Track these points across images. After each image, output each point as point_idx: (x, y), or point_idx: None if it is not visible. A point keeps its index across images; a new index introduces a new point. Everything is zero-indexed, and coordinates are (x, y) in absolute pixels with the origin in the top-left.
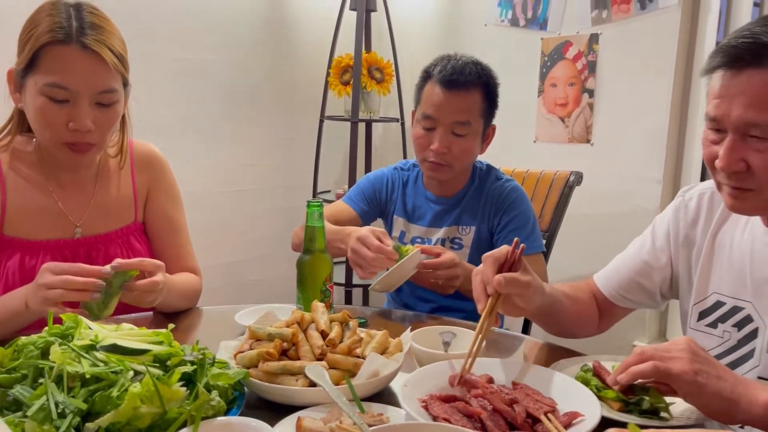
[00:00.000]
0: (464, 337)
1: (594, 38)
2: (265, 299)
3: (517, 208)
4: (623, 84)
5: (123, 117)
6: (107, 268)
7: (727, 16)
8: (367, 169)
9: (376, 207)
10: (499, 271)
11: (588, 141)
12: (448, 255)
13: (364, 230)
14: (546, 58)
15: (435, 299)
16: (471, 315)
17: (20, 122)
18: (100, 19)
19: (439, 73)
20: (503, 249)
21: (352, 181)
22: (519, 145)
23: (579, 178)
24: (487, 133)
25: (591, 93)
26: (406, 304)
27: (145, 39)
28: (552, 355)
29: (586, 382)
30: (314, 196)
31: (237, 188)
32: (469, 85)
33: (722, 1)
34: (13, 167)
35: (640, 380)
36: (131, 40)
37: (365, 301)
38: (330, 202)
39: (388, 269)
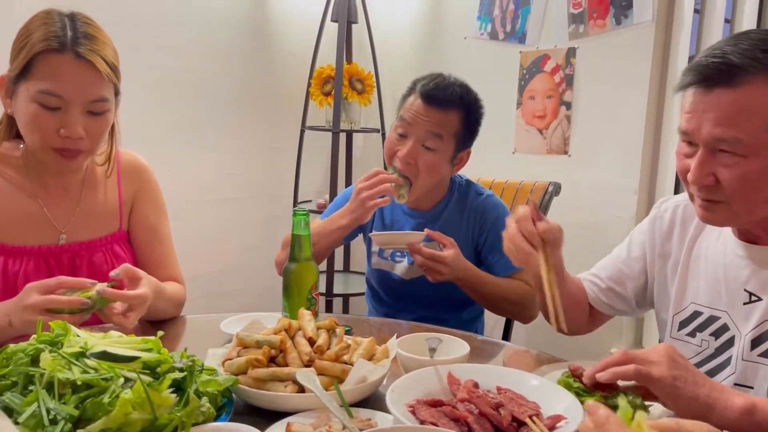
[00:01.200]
0: (450, 343)
1: (571, 52)
2: (245, 308)
3: (501, 227)
4: (600, 97)
5: (112, 125)
6: (92, 291)
7: (699, 31)
8: (348, 178)
9: None
10: None
11: (566, 152)
12: (445, 253)
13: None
14: (524, 71)
15: (416, 310)
16: (453, 324)
17: (9, 128)
18: (94, 29)
19: (423, 87)
20: (528, 208)
21: (333, 190)
22: (498, 156)
23: (557, 188)
24: (459, 157)
25: (568, 105)
26: (387, 314)
27: (126, 45)
28: (532, 362)
29: (568, 387)
30: (295, 205)
31: (218, 197)
32: (449, 105)
33: (694, 17)
34: None
35: (619, 381)
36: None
37: (345, 309)
38: (311, 211)
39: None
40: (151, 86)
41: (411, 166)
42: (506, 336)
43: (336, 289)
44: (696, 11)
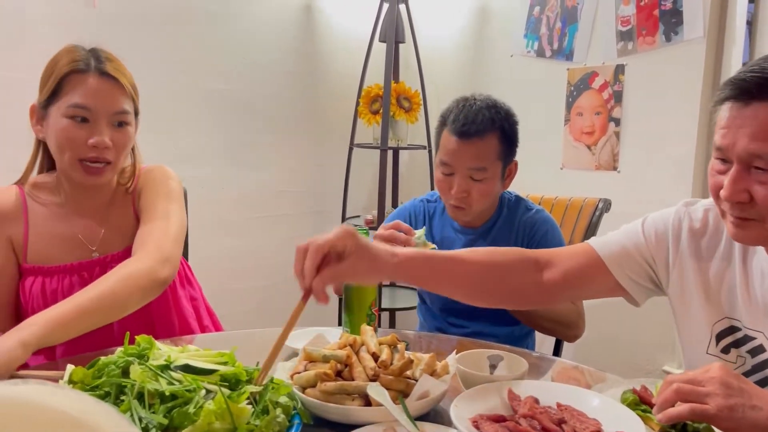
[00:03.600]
0: (512, 360)
1: (620, 69)
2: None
3: (550, 242)
4: (650, 113)
5: (133, 147)
6: None
7: (751, 47)
8: (395, 194)
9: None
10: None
11: (615, 168)
12: None
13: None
14: (572, 88)
15: (467, 325)
16: (504, 340)
17: (42, 160)
18: (114, 58)
19: (453, 122)
20: (330, 243)
21: (380, 206)
22: (546, 172)
23: (608, 204)
24: (509, 169)
25: (617, 122)
26: (439, 328)
27: (181, 71)
28: (584, 378)
29: (630, 407)
30: (343, 221)
31: (270, 214)
32: (483, 133)
33: (746, 33)
34: (35, 198)
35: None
36: (166, 71)
37: (392, 324)
38: (358, 227)
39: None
40: (205, 108)
41: (465, 199)
42: (557, 352)
43: (383, 303)
44: (748, 23)
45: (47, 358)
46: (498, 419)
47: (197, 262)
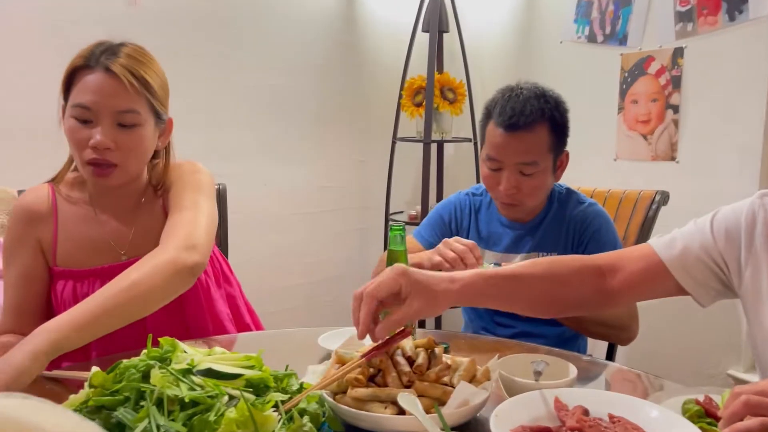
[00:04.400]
0: (558, 366)
1: (678, 52)
2: (339, 319)
3: (603, 237)
4: (711, 98)
5: (167, 147)
6: None
7: None
8: (439, 189)
9: (447, 237)
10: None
11: (673, 158)
12: None
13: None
14: (626, 74)
15: (515, 324)
16: (554, 341)
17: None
18: (138, 54)
19: (499, 115)
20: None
21: (424, 201)
22: (598, 163)
23: (665, 197)
24: (560, 161)
25: (676, 109)
26: (485, 328)
27: (221, 66)
28: (641, 385)
29: (692, 419)
30: (386, 216)
31: (312, 210)
32: (532, 125)
33: None
34: (67, 199)
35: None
36: (208, 67)
37: (437, 325)
38: (402, 222)
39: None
40: (245, 104)
41: (515, 195)
42: (610, 355)
43: None
44: None
45: (83, 359)
46: (543, 431)
47: (238, 260)
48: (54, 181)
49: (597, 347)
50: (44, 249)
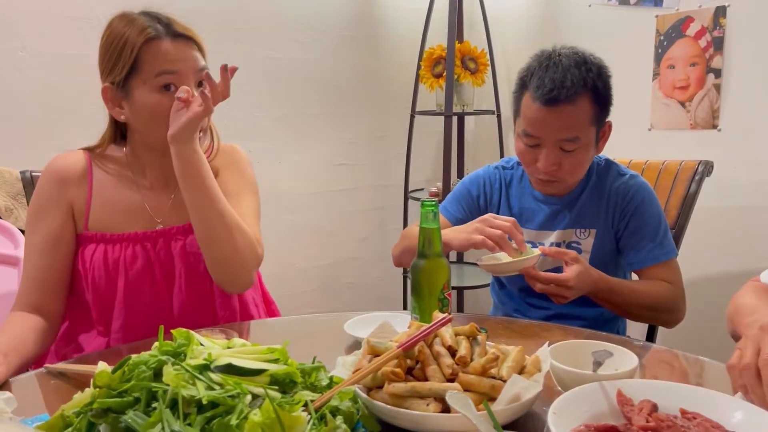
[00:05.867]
0: (622, 357)
1: (720, 11)
2: (358, 302)
3: (647, 211)
4: (757, 61)
5: (210, 126)
6: None
7: None
8: (460, 164)
9: (474, 213)
10: None
11: (715, 127)
12: (566, 274)
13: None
14: (662, 38)
15: (549, 306)
16: (591, 323)
17: (112, 133)
18: (175, 18)
19: (537, 89)
20: None
21: (446, 177)
22: (632, 133)
23: (709, 168)
24: (602, 132)
25: (717, 73)
26: (518, 309)
27: (233, 39)
28: (692, 370)
29: None
30: (406, 194)
31: (328, 189)
32: (574, 97)
33: None
34: (102, 167)
35: None
36: (220, 41)
37: (460, 306)
38: (427, 201)
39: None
40: (260, 79)
41: (556, 172)
42: (651, 336)
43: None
44: None
45: (102, 335)
46: (608, 430)
47: None
48: (88, 149)
49: (635, 330)
50: (75, 212)
